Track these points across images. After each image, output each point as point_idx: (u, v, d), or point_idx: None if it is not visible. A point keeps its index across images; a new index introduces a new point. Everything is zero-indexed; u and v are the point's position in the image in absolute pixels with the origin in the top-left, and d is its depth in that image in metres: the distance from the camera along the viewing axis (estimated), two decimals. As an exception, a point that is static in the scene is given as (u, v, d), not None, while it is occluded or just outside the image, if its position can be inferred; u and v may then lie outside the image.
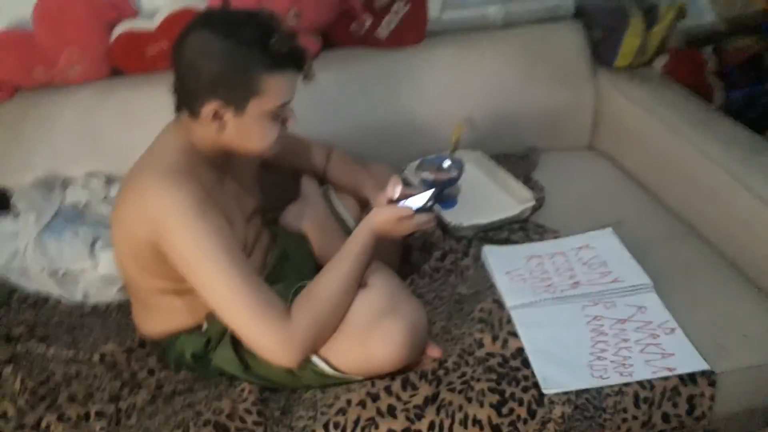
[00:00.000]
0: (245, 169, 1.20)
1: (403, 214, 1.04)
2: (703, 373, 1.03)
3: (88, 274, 1.32)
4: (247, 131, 1.02)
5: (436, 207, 1.41)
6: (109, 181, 1.48)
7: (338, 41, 1.62)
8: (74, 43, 1.47)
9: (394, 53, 1.61)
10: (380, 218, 1.05)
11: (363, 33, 1.60)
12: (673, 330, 1.10)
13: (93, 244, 1.33)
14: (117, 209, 1.05)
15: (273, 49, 0.96)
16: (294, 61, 1.00)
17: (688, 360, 1.04)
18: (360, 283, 1.05)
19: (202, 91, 0.98)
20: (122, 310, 1.29)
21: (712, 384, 1.03)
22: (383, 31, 1.59)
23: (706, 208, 1.35)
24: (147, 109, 1.47)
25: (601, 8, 1.64)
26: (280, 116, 1.04)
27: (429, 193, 1.07)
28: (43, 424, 0.98)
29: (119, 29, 1.49)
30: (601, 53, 1.66)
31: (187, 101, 1.02)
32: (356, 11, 1.55)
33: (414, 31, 1.61)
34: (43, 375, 1.08)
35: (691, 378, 1.02)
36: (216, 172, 1.09)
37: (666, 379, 1.02)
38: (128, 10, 1.51)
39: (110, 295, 1.32)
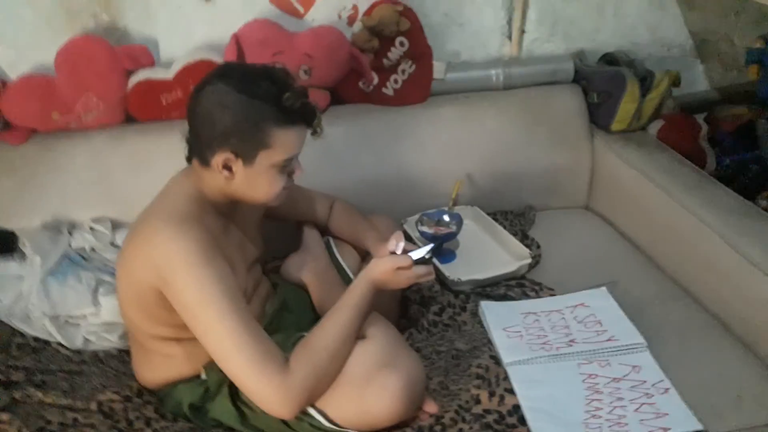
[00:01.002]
0: (249, 218, 1.23)
1: (402, 264, 1.07)
2: (696, 433, 1.04)
3: (89, 320, 1.33)
4: (254, 181, 1.05)
5: (435, 261, 1.44)
6: (116, 226, 1.50)
7: (346, 97, 1.68)
8: (92, 90, 1.52)
9: (399, 110, 1.66)
10: (379, 269, 1.08)
11: (370, 90, 1.66)
12: (667, 390, 1.11)
13: (96, 290, 1.34)
14: (123, 253, 1.08)
15: (285, 105, 1.00)
16: (304, 117, 1.04)
17: (682, 420, 1.05)
18: (358, 334, 1.06)
19: (214, 141, 1.01)
20: (121, 358, 1.30)
21: (706, 445, 1.04)
22: (390, 89, 1.66)
23: (699, 270, 1.38)
24: (157, 156, 1.52)
25: (599, 74, 1.71)
26: (287, 168, 1.08)
27: (429, 246, 1.10)
28: (38, 473, 0.97)
29: (136, 78, 1.55)
30: (598, 117, 1.72)
31: (199, 150, 1.06)
32: (364, 69, 1.61)
33: (419, 90, 1.68)
34: (40, 423, 1.07)
35: (685, 439, 1.04)
36: (222, 219, 1.12)
37: (661, 440, 1.03)
38: (146, 59, 1.57)
39: (111, 342, 1.32)
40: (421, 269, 1.09)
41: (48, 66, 1.52)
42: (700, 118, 1.79)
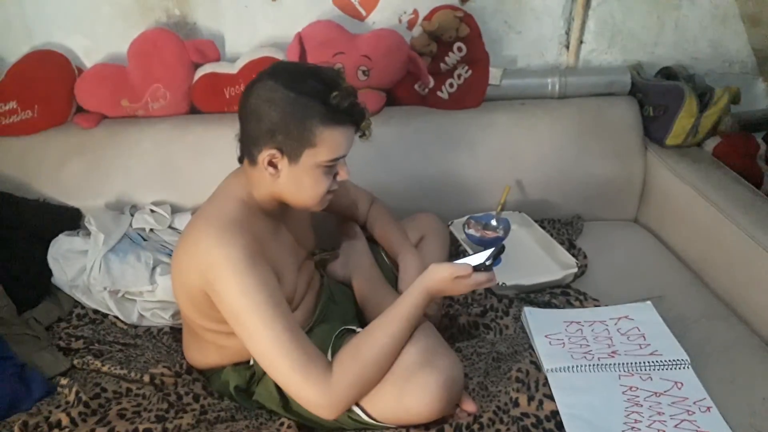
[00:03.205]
0: (300, 218, 1.25)
1: (461, 273, 1.05)
2: (737, 455, 1.04)
3: (146, 297, 1.40)
4: (299, 181, 1.06)
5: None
6: (175, 210, 1.57)
7: (402, 99, 1.71)
8: (161, 81, 1.60)
9: (453, 114, 1.69)
10: (437, 276, 1.06)
11: (425, 93, 1.69)
12: (709, 408, 1.10)
13: (153, 269, 1.41)
14: (176, 252, 1.11)
15: (332, 103, 1.00)
16: (352, 117, 1.04)
17: (723, 441, 1.05)
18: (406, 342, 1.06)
19: (261, 137, 1.03)
20: (173, 335, 1.37)
21: (746, 468, 1.03)
22: (445, 92, 1.68)
23: (749, 290, 1.36)
24: (218, 146, 1.55)
25: (657, 87, 1.69)
26: (332, 170, 1.08)
27: (488, 252, 1.08)
28: (94, 437, 1.03)
29: (202, 71, 1.62)
30: (653, 130, 1.71)
31: (247, 147, 1.07)
32: (422, 73, 1.64)
33: (474, 95, 1.70)
34: (96, 389, 1.13)
35: (725, 459, 1.03)
36: (272, 222, 1.14)
37: (700, 457, 1.03)
38: (213, 54, 1.64)
39: (164, 320, 1.39)
40: (482, 276, 1.06)
41: (121, 56, 1.61)
42: (759, 136, 1.75)
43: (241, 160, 1.12)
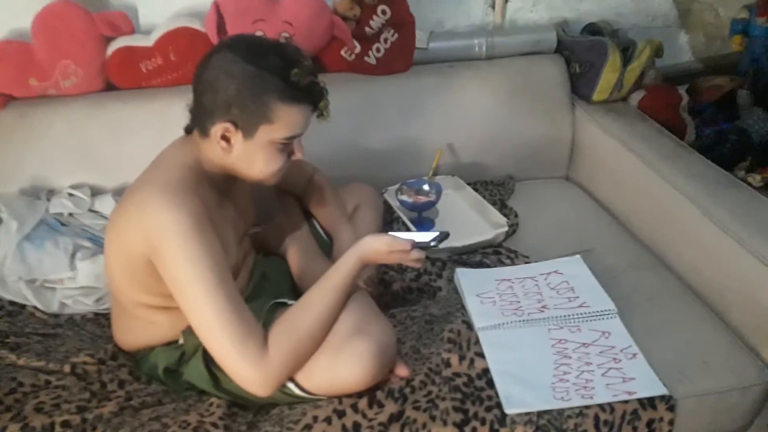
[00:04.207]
0: (244, 192, 1.22)
1: (400, 248, 1.06)
2: (662, 397, 1.06)
3: (66, 284, 1.33)
4: (252, 157, 1.03)
5: (412, 227, 1.45)
6: (95, 193, 1.50)
7: (328, 66, 1.66)
8: (70, 57, 1.51)
9: (381, 80, 1.66)
10: (373, 246, 1.06)
11: (352, 59, 1.65)
12: (634, 355, 1.13)
13: (73, 255, 1.34)
14: (115, 220, 1.06)
15: (292, 80, 0.98)
16: (311, 96, 1.02)
17: (648, 384, 1.07)
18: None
19: (216, 109, 1.00)
20: (97, 321, 1.31)
21: (671, 409, 1.06)
22: (372, 58, 1.65)
23: (674, 239, 1.39)
24: (137, 123, 1.53)
25: (581, 44, 1.70)
26: (287, 148, 1.06)
27: (433, 233, 1.09)
28: (6, 435, 0.98)
29: (116, 44, 1.53)
30: (580, 87, 1.72)
31: (200, 119, 1.04)
32: (346, 38, 1.60)
33: (401, 59, 1.67)
34: (12, 384, 1.08)
35: (650, 402, 1.05)
36: (217, 193, 1.11)
37: (626, 402, 1.05)
38: (126, 27, 1.55)
39: (87, 306, 1.33)
40: (414, 253, 1.07)
41: (25, 32, 1.51)
42: (682, 89, 1.79)
43: (189, 130, 1.09)
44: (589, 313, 1.20)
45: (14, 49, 1.50)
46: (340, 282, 1.05)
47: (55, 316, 1.32)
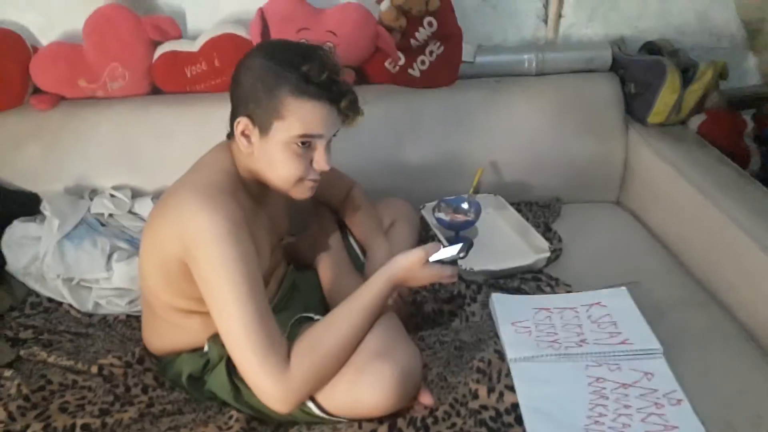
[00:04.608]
0: (278, 201, 1.20)
1: (427, 256, 1.02)
2: (707, 452, 0.97)
3: (101, 284, 1.34)
4: (270, 157, 1.01)
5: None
6: (135, 195, 1.52)
7: (371, 77, 1.64)
8: (118, 60, 1.54)
9: (424, 93, 1.62)
10: (402, 264, 1.02)
11: (396, 71, 1.62)
12: (679, 401, 1.04)
13: (110, 256, 1.36)
14: (151, 221, 1.06)
15: (303, 73, 0.95)
16: (327, 93, 0.98)
17: (692, 435, 0.99)
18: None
19: (237, 105, 1.01)
20: (128, 323, 1.32)
21: (716, 465, 0.97)
22: (416, 70, 1.61)
23: (730, 276, 1.29)
24: (180, 127, 1.54)
25: (638, 63, 1.61)
26: (307, 152, 1.02)
27: (460, 245, 1.03)
28: (28, 433, 0.99)
29: (162, 49, 1.55)
30: (636, 108, 1.63)
31: (231, 119, 1.04)
32: (390, 49, 1.57)
33: (447, 72, 1.62)
34: (40, 382, 1.09)
35: (694, 456, 0.97)
36: (252, 200, 1.10)
37: (666, 453, 0.97)
38: (173, 31, 1.57)
39: (120, 307, 1.34)
40: (447, 269, 1.03)
41: (78, 34, 1.54)
42: (747, 114, 1.67)
43: (229, 135, 1.09)
44: (632, 351, 1.12)
45: (66, 51, 1.55)
46: (369, 303, 1.01)
47: (89, 315, 1.34)
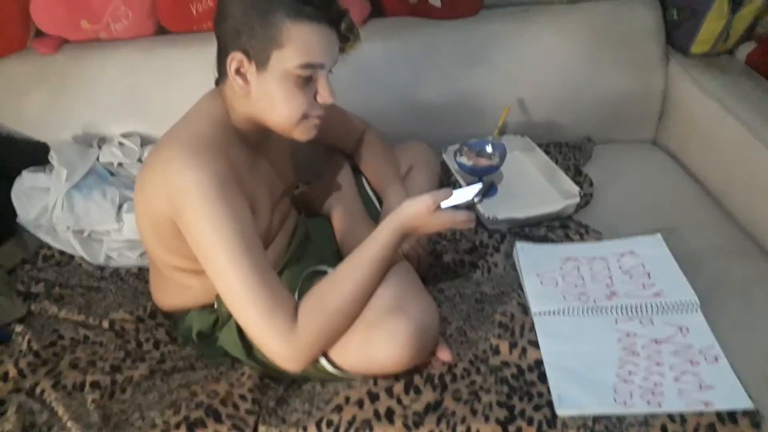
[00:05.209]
0: (281, 149, 1.14)
1: (437, 203, 0.93)
2: (745, 412, 0.90)
3: (112, 236, 1.31)
4: (270, 94, 0.93)
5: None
6: (145, 142, 1.47)
7: (388, 8, 1.53)
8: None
9: (446, 24, 1.51)
10: (411, 211, 0.94)
11: (415, 1, 1.50)
12: (716, 358, 0.97)
13: (120, 206, 1.32)
14: (141, 177, 1.01)
15: None
16: (325, 14, 0.90)
17: (729, 395, 0.92)
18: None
19: (227, 40, 0.92)
20: (141, 276, 1.29)
21: (756, 425, 0.90)
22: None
23: (777, 222, 1.19)
24: (189, 69, 1.46)
25: (682, -15, 1.47)
26: (309, 84, 0.94)
27: (476, 187, 0.95)
28: (38, 390, 0.97)
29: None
30: (677, 37, 1.49)
31: (219, 59, 0.96)
32: (407, -22, 1.45)
33: (469, 1, 1.50)
34: (52, 337, 1.07)
35: (731, 417, 0.90)
36: (250, 151, 1.03)
37: (701, 414, 0.90)
38: (176, -33, 1.47)
39: (131, 260, 1.31)
40: (461, 214, 0.94)
41: (77, -28, 1.46)
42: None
43: (217, 81, 1.01)
44: (666, 303, 1.05)
45: (66, -10, 1.46)
46: (376, 255, 0.95)
47: (101, 268, 1.31)
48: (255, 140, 1.03)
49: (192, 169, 0.90)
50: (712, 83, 1.40)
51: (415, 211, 0.94)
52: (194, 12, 1.48)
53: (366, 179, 1.30)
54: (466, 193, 0.95)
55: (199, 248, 0.92)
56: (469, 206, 0.95)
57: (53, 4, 1.47)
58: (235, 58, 0.92)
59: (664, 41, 1.50)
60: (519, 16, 1.51)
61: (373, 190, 1.29)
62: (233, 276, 0.89)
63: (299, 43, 0.90)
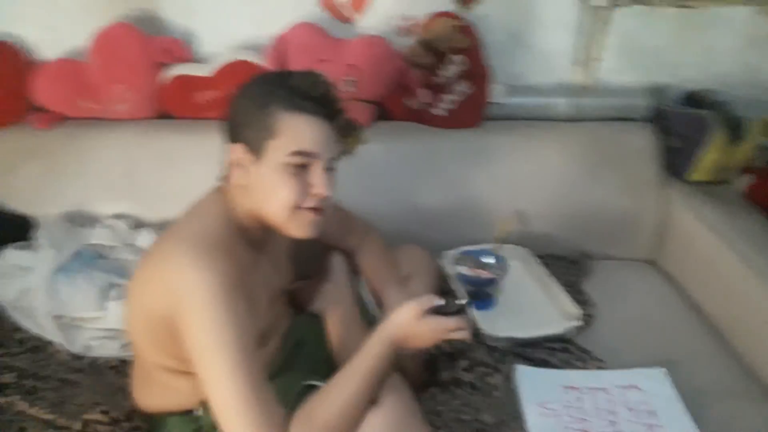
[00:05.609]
0: (280, 246, 1.10)
1: (424, 308, 0.91)
2: None
3: (95, 324, 1.24)
4: (265, 183, 0.92)
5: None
6: (138, 225, 1.42)
7: (393, 113, 1.54)
8: (123, 80, 1.44)
9: (449, 133, 1.52)
10: (398, 320, 0.91)
11: (419, 108, 1.51)
12: None
13: (106, 293, 1.25)
14: (138, 273, 0.97)
15: (292, 85, 0.91)
16: (320, 107, 0.92)
17: None
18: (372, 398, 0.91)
19: (230, 134, 0.95)
20: (120, 370, 1.20)
21: None
22: (441, 109, 1.51)
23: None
24: (188, 155, 1.45)
25: (679, 115, 1.51)
26: (303, 175, 0.93)
27: (463, 300, 0.92)
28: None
29: (174, 71, 1.46)
30: (675, 164, 1.52)
31: (225, 155, 0.96)
32: (414, 86, 1.46)
33: (473, 112, 1.52)
34: (17, 436, 0.99)
35: None
36: (252, 250, 1.00)
37: None
38: (180, 53, 1.47)
39: (113, 350, 1.23)
40: (452, 321, 0.91)
41: (81, 52, 1.45)
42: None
43: (221, 178, 1.00)
44: (675, 450, 1.01)
45: (70, 68, 1.46)
46: (368, 369, 0.90)
47: (79, 357, 1.23)
48: (257, 238, 1.00)
49: (199, 268, 0.87)
50: (710, 213, 1.42)
51: (402, 319, 0.91)
52: (200, 101, 1.48)
53: (365, 282, 1.25)
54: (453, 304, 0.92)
55: (196, 351, 0.87)
56: (460, 311, 0.91)
57: (55, 81, 1.45)
58: (234, 150, 0.93)
59: (660, 165, 1.53)
60: (521, 129, 1.53)
61: (370, 293, 1.24)
62: (228, 386, 0.84)
63: (292, 131, 0.91)
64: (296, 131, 0.91)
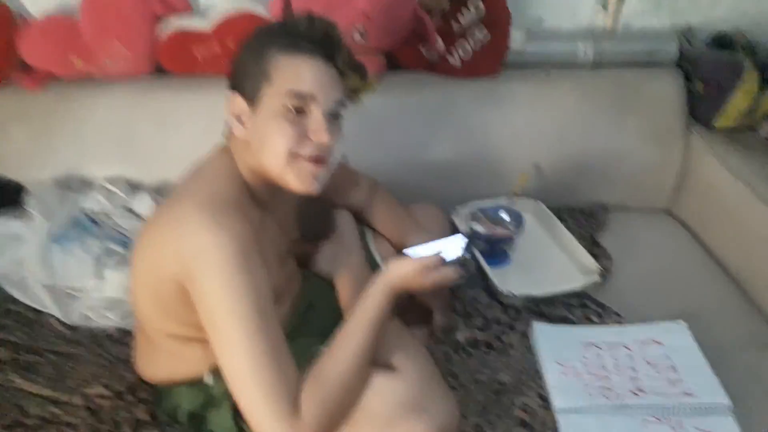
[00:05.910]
0: (286, 204, 1.06)
1: (427, 264, 0.88)
2: None
3: (91, 294, 1.20)
4: (262, 132, 0.88)
5: (484, 263, 1.25)
6: (133, 188, 1.37)
7: (405, 63, 1.46)
8: (118, 37, 1.36)
9: (465, 83, 1.45)
10: (398, 270, 0.89)
11: (434, 58, 1.44)
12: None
13: (102, 261, 1.21)
14: (146, 234, 0.92)
15: (289, 26, 0.88)
16: (319, 46, 0.87)
17: None
18: (386, 361, 0.89)
19: (231, 87, 0.91)
20: (121, 341, 1.16)
21: None
22: (456, 58, 1.43)
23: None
24: (186, 114, 1.39)
25: (709, 58, 1.43)
26: (301, 120, 0.87)
27: (459, 240, 0.90)
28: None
29: (171, 26, 1.38)
30: (700, 110, 1.45)
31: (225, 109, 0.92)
32: (429, 34, 1.38)
33: (491, 61, 1.45)
34: (16, 415, 0.97)
35: None
36: (259, 209, 0.95)
37: None
38: (181, 6, 1.39)
39: (111, 321, 1.19)
40: (450, 271, 0.89)
41: (73, 7, 1.37)
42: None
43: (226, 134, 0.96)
44: (696, 405, 0.98)
45: (60, 25, 1.38)
46: (367, 317, 0.87)
47: (75, 329, 1.18)
48: (263, 195, 0.96)
49: (211, 229, 0.82)
50: (736, 160, 1.36)
51: (403, 271, 0.88)
52: (198, 56, 1.40)
53: (373, 243, 1.22)
54: (453, 249, 0.90)
55: (209, 316, 0.83)
56: (458, 262, 0.90)
57: (43, 37, 1.37)
58: (233, 103, 0.90)
59: (686, 113, 1.46)
60: (541, 78, 1.46)
61: (380, 254, 1.20)
62: (244, 354, 0.81)
63: (288, 72, 0.86)
64: (293, 71, 0.86)
